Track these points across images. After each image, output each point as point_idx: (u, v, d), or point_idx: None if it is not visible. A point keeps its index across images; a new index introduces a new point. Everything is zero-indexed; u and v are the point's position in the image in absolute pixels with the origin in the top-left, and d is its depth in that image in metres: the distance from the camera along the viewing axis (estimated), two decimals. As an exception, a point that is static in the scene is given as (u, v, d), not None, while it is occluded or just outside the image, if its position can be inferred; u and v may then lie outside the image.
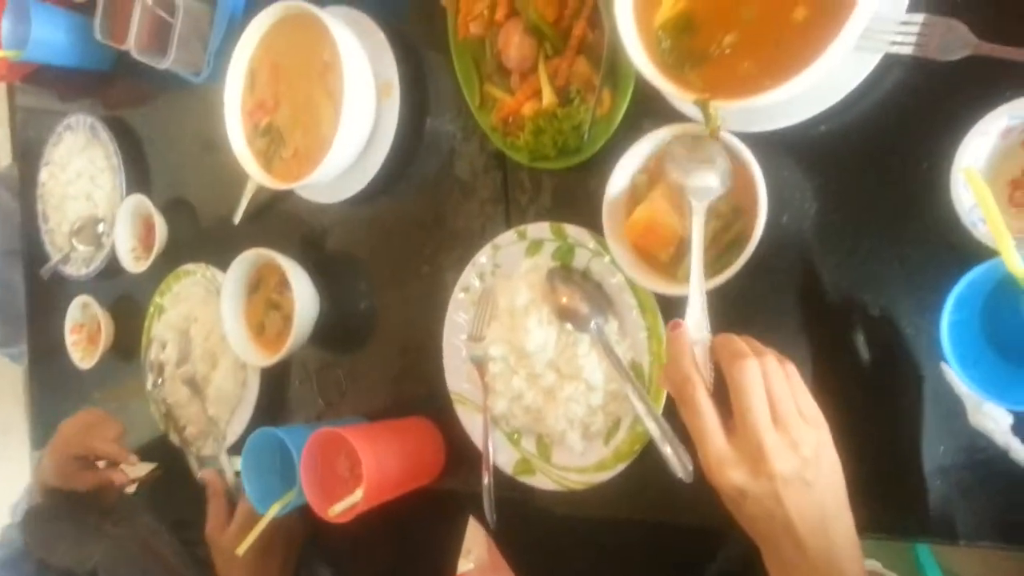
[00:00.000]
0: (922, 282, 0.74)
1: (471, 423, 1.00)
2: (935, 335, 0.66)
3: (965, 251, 0.69)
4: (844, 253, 0.79)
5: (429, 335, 1.05)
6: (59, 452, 1.22)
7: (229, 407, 1.26)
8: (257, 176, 1.11)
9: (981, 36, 0.69)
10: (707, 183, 0.77)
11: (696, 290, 0.71)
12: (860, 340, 0.77)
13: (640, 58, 0.78)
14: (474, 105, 1.00)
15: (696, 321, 0.70)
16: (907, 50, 0.72)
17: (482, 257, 0.99)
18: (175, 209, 1.39)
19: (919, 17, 0.71)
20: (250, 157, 1.13)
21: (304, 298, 1.13)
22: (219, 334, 1.25)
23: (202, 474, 1.19)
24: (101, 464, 1.25)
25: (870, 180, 0.76)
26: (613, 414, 0.90)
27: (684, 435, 0.81)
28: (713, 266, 0.79)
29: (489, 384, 0.97)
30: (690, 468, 0.76)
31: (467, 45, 1.00)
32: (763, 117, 0.78)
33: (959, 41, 0.70)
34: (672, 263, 0.82)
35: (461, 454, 1.03)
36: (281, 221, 1.25)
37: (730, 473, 0.65)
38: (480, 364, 0.98)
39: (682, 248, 0.81)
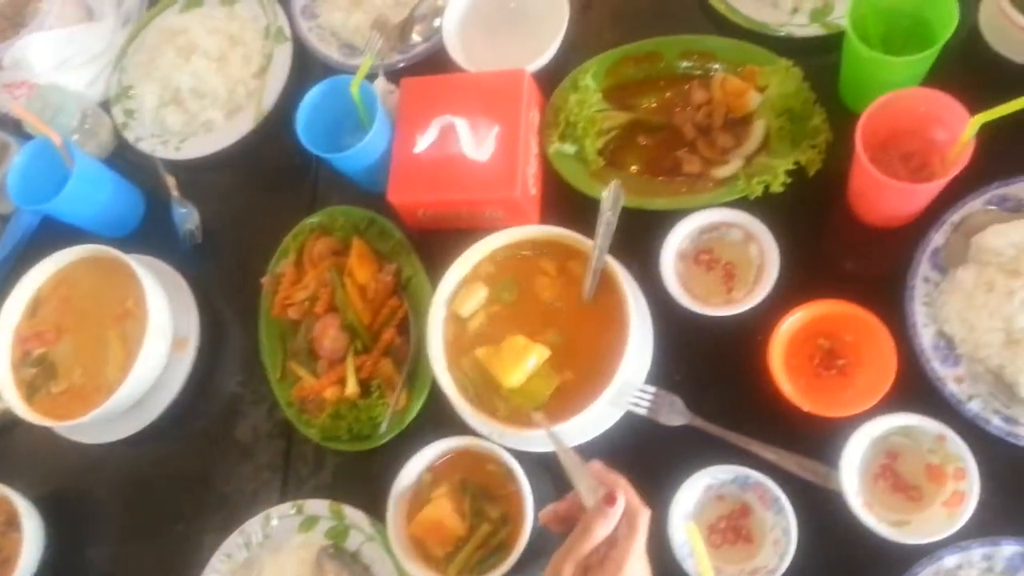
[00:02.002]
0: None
1: None
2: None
3: (677, 576, 0.88)
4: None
5: (169, 602, 1.02)
6: None
7: None
8: (16, 408, 1.05)
9: (694, 411, 0.94)
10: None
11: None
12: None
13: (446, 382, 0.93)
14: (274, 377, 1.07)
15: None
16: (642, 411, 0.95)
17: (253, 525, 1.02)
18: None
19: (652, 388, 0.95)
20: (12, 385, 1.07)
21: (33, 545, 1.04)
22: (-100, 572, 1.08)
23: None
24: None
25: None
26: None
27: None
28: (480, 566, 0.91)
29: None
30: None
31: (276, 322, 1.10)
32: (514, 441, 0.95)
33: (678, 412, 0.95)
34: (446, 560, 0.92)
35: None
36: (18, 451, 1.17)
37: None
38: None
39: (459, 546, 0.92)
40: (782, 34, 1.06)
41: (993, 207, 0.93)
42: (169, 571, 1.05)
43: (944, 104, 0.86)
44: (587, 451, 0.94)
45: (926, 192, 0.88)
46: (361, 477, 1.03)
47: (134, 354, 1.04)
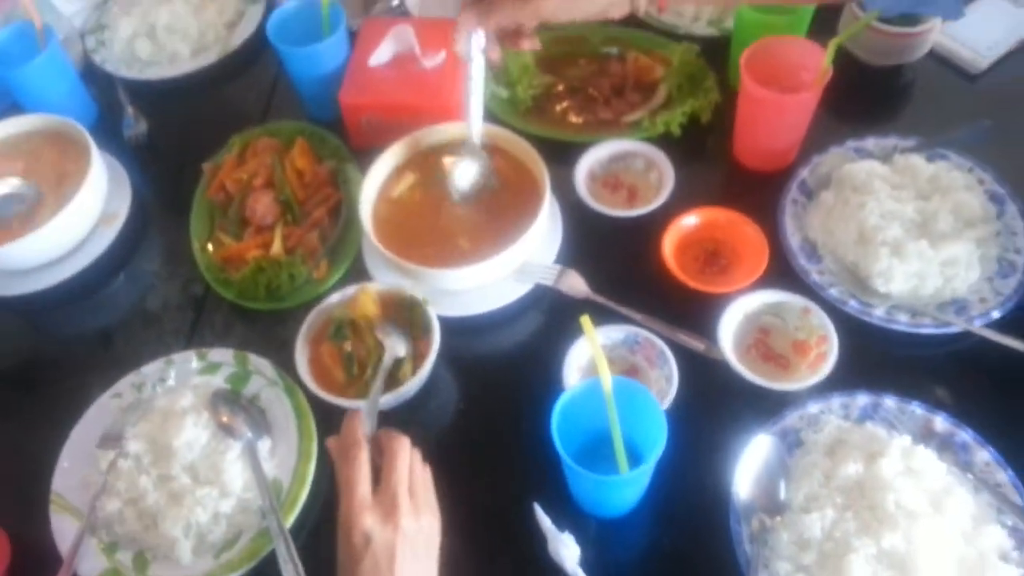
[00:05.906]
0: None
1: (61, 528, 0.91)
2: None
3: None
4: (499, 410, 0.99)
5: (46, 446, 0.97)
6: None
7: None
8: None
9: (593, 289, 1.04)
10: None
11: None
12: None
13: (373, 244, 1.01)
14: (198, 247, 1.11)
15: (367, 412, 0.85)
16: (549, 283, 1.04)
17: (150, 368, 1.01)
18: None
19: (557, 266, 1.05)
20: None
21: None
22: None
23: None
24: None
25: (486, 366, 1.02)
26: (237, 526, 0.89)
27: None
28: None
29: (110, 482, 0.91)
30: None
31: (209, 203, 1.15)
32: (455, 304, 1.02)
33: (579, 288, 1.04)
34: (347, 385, 0.95)
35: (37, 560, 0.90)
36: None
37: (366, 516, 0.75)
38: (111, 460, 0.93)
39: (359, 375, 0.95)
40: (682, 32, 1.29)
41: (850, 153, 1.12)
42: (49, 420, 1.01)
43: (807, 49, 1.07)
44: (496, 318, 1.03)
45: (797, 106, 1.06)
46: (267, 338, 1.05)
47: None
